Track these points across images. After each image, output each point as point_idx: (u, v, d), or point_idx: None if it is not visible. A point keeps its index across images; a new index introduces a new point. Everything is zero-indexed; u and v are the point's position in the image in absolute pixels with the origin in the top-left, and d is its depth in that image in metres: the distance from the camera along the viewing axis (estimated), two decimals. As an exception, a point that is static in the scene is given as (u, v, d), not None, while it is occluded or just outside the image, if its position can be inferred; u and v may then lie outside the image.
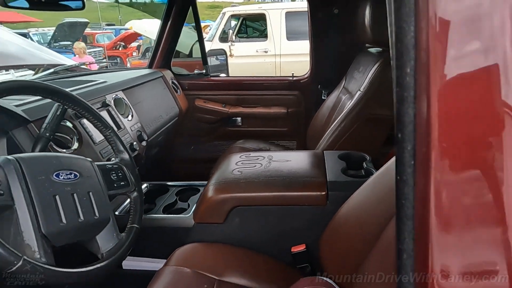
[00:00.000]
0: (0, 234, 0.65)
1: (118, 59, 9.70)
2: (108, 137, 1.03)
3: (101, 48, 10.35)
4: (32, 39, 11.75)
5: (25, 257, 0.65)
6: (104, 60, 8.87)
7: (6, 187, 0.71)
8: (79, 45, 6.47)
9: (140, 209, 1.00)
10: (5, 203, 0.70)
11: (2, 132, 1.01)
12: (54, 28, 11.25)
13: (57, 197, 0.77)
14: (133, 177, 1.01)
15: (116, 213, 1.33)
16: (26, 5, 1.24)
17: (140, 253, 1.34)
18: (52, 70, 1.72)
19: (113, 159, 1.05)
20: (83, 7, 1.31)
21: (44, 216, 0.73)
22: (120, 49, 10.45)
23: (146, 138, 1.57)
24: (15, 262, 0.63)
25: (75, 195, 0.81)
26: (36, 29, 13.29)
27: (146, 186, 1.59)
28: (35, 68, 1.85)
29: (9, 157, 0.76)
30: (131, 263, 1.36)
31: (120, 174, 0.98)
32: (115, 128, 1.40)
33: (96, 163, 0.94)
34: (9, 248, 0.63)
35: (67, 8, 1.37)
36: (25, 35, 11.57)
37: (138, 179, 1.03)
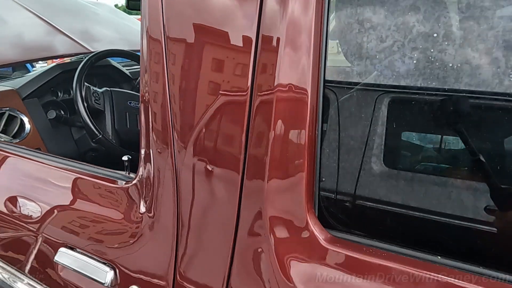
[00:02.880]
0: (96, 124, 1.29)
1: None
2: None
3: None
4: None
5: (103, 135, 1.27)
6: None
7: (102, 102, 1.36)
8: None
9: None
10: (101, 109, 1.35)
11: (116, 83, 1.72)
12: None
13: (127, 113, 1.40)
14: None
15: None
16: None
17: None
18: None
19: None
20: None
21: (118, 120, 1.36)
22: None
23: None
24: (98, 135, 1.26)
25: (138, 115, 1.43)
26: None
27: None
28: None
29: (107, 88, 1.41)
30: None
31: None
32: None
33: None
34: (98, 128, 1.27)
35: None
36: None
37: None
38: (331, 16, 0.51)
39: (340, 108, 0.55)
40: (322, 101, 0.51)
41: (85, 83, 1.30)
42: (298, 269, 0.49)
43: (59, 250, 0.74)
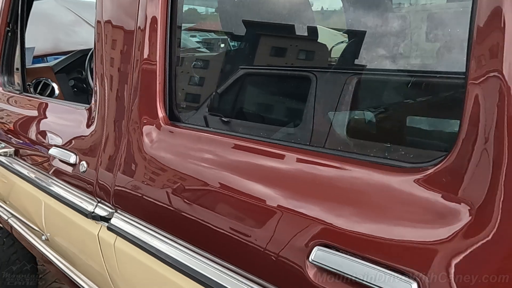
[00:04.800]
0: None
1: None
2: None
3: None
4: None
5: None
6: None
7: None
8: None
9: None
10: None
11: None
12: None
13: None
14: None
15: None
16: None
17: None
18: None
19: None
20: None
21: None
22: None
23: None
24: None
25: None
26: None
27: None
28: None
29: None
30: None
31: None
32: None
33: None
34: None
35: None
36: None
37: None
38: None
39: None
40: (169, 65, 0.95)
41: (94, 62, 1.83)
42: (149, 133, 0.95)
43: (50, 149, 1.26)
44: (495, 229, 0.49)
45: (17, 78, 1.69)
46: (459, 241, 0.50)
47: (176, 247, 0.89)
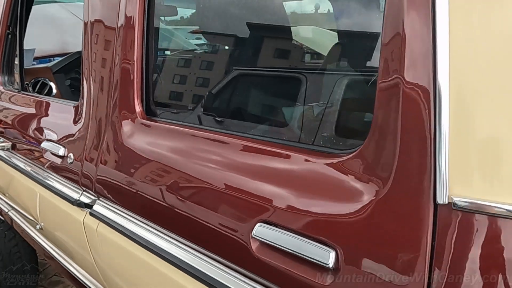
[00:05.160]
0: None
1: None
2: None
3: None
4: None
5: None
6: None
7: None
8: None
9: None
10: None
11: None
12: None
13: None
14: None
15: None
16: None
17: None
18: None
19: None
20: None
21: None
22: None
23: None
24: None
25: None
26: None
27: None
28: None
29: None
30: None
31: None
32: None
33: None
34: None
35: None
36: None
37: None
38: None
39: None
40: (146, 64, 1.05)
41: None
42: (127, 127, 1.05)
43: (42, 142, 1.36)
44: (398, 205, 0.57)
45: (16, 78, 1.80)
46: (369, 215, 0.59)
47: (151, 231, 0.98)
